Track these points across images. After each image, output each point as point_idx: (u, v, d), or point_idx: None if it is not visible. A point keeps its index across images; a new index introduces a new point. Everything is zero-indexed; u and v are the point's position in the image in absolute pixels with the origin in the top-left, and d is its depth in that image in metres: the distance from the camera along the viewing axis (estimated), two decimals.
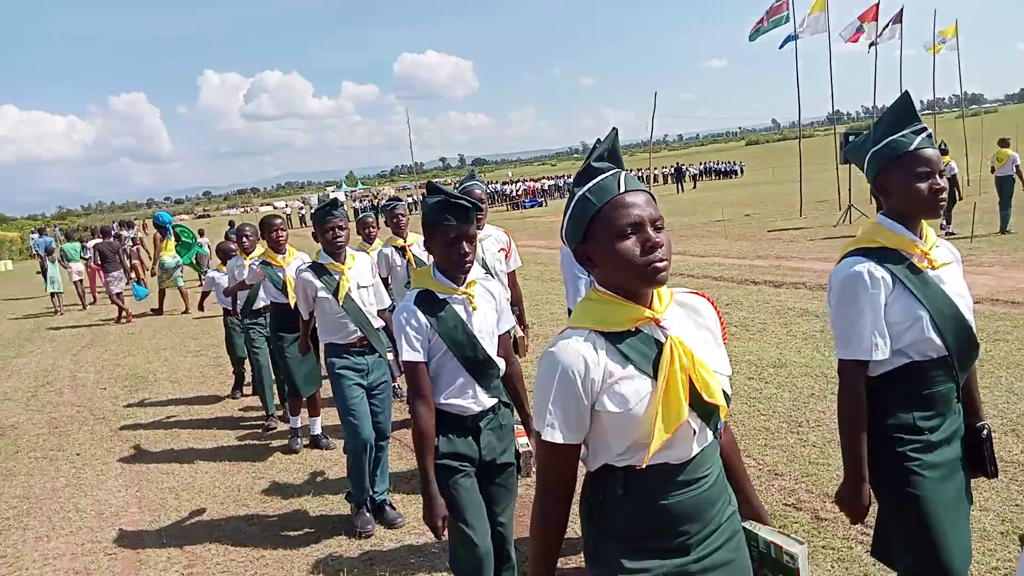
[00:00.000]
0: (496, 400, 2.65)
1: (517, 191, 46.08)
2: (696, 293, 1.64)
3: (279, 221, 5.39)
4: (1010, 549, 3.09)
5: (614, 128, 1.57)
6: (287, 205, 69.86)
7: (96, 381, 8.70)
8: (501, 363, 2.65)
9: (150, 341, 11.13)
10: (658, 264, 1.42)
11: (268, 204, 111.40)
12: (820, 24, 16.65)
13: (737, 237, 15.46)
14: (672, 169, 46.29)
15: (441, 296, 2.53)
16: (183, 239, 13.58)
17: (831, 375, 5.57)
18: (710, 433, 1.52)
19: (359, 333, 4.02)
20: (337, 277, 4.01)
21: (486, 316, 2.61)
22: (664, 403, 1.42)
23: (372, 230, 6.02)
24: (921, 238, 2.01)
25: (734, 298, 9.01)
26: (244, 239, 6.07)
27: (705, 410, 1.48)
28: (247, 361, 6.82)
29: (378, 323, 4.14)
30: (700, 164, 55.47)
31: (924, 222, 2.03)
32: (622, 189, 1.47)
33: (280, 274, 5.24)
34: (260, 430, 6.04)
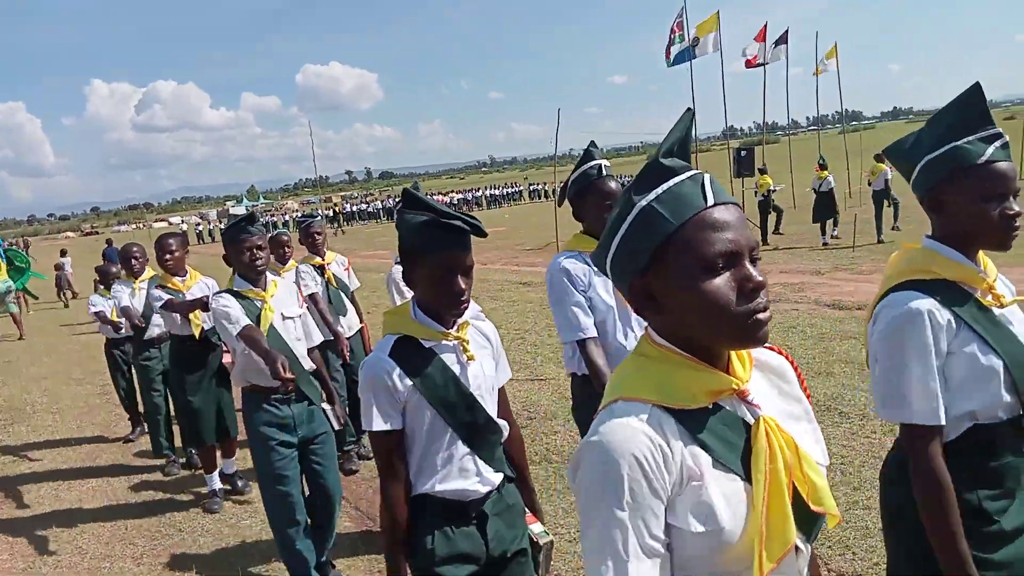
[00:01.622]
0: (502, 475, 2.03)
1: None
2: (772, 349, 1.20)
3: (172, 241, 4.69)
4: None
5: (689, 110, 1.14)
6: (183, 221, 66.97)
7: None
8: (504, 426, 2.06)
9: (28, 369, 10.35)
10: (761, 315, 1.00)
11: (163, 220, 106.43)
12: (710, 45, 17.41)
13: None
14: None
15: (426, 344, 1.91)
16: (16, 263, 13.33)
17: None
18: (810, 548, 1.11)
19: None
20: (259, 305, 3.32)
21: (484, 367, 2.00)
22: (767, 520, 1.00)
23: (287, 249, 5.13)
24: (982, 268, 1.65)
25: None
26: (133, 260, 5.36)
27: (810, 522, 1.06)
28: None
29: (308, 364, 3.43)
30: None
31: (982, 250, 1.67)
32: (710, 201, 1.02)
33: (183, 298, 4.58)
34: (160, 473, 5.40)
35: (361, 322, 5.28)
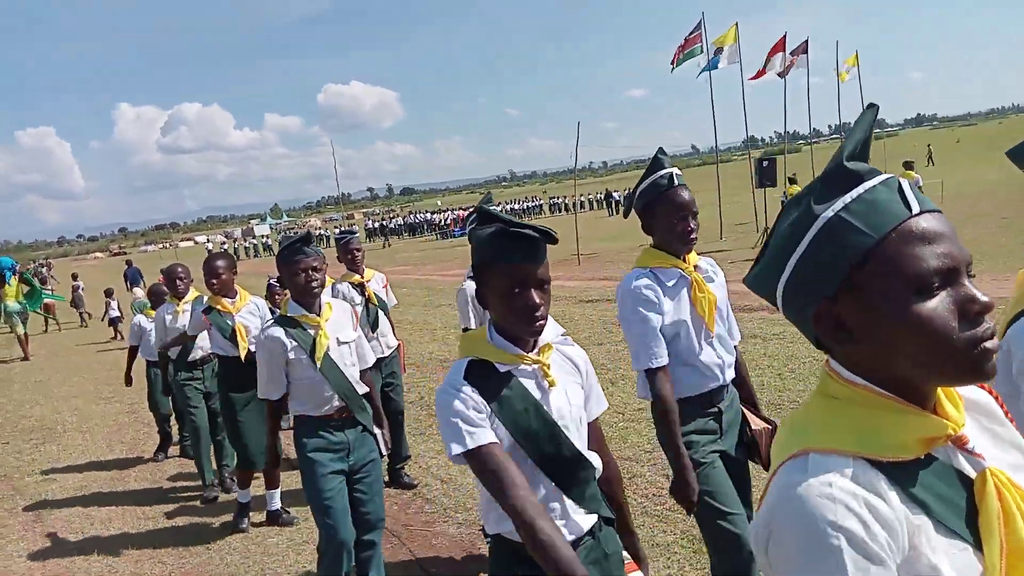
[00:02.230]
0: (595, 517, 1.79)
1: (446, 220, 46.08)
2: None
3: (220, 264, 4.55)
4: None
5: (873, 105, 0.97)
6: (208, 240, 67.89)
7: None
8: (596, 461, 1.80)
9: (58, 389, 10.51)
10: (988, 343, 0.82)
11: (189, 239, 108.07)
12: (732, 56, 17.37)
13: None
14: (603, 195, 47.43)
15: (503, 368, 1.72)
16: (32, 286, 13.84)
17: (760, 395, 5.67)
18: None
19: (339, 403, 3.17)
20: (312, 333, 3.15)
21: (569, 395, 1.79)
22: None
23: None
24: None
25: None
26: (178, 281, 5.18)
27: None
28: (173, 417, 6.16)
29: (362, 388, 3.30)
30: (625, 190, 56.78)
31: None
32: (914, 209, 0.85)
33: (229, 321, 4.49)
34: (198, 502, 5.26)
35: (396, 339, 5.14)
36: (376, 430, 3.34)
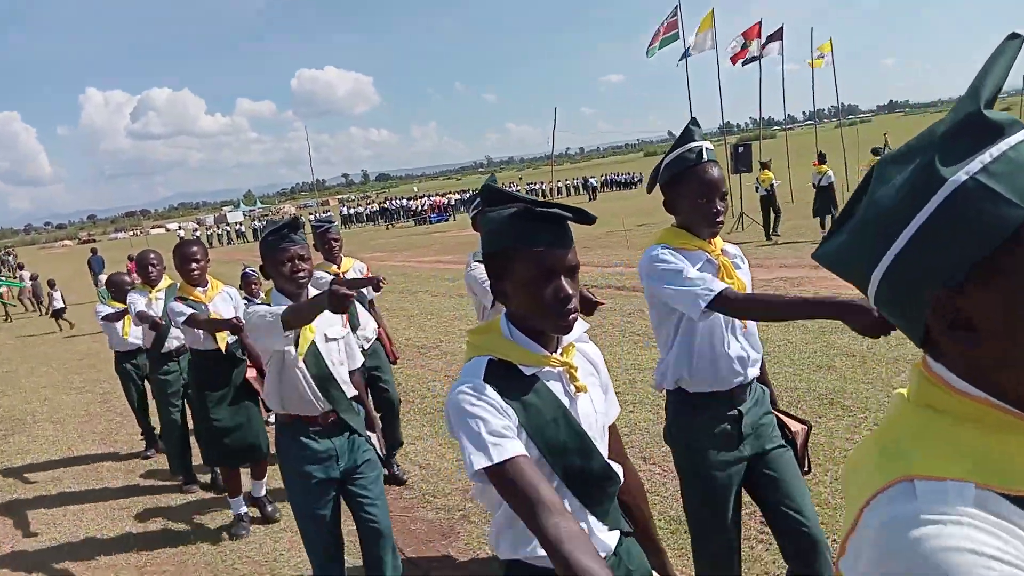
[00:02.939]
0: (618, 533, 1.61)
1: (423, 206, 45.84)
2: None
3: (197, 250, 4.33)
4: None
5: (1016, 34, 0.72)
6: (180, 227, 66.93)
7: None
8: (619, 472, 1.60)
9: (26, 379, 10.32)
10: None
11: (160, 226, 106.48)
12: (708, 42, 17.40)
13: (639, 246, 15.82)
14: (581, 181, 47.59)
15: (528, 371, 1.49)
16: None
17: None
18: None
19: (325, 405, 2.87)
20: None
21: (594, 401, 1.58)
22: None
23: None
24: None
25: (637, 307, 9.19)
26: (150, 268, 4.98)
27: None
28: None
29: (351, 390, 3.01)
30: (602, 176, 56.89)
31: None
32: None
33: (204, 310, 4.24)
34: (176, 494, 5.11)
35: (380, 326, 4.96)
36: (369, 434, 3.05)
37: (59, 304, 15.72)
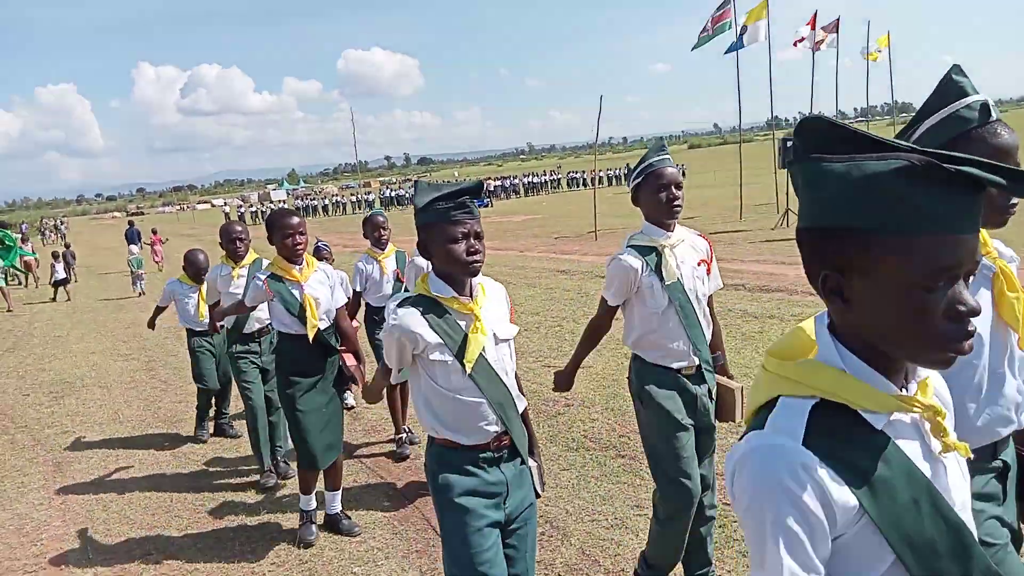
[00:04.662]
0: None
1: None
2: None
3: (296, 221, 3.72)
4: None
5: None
6: (226, 203, 68.14)
7: (18, 387, 8.27)
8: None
9: (77, 345, 10.67)
10: None
11: (206, 202, 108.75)
12: (760, 33, 17.06)
13: None
14: (624, 170, 47.26)
15: (877, 423, 0.99)
16: (5, 243, 14.72)
17: None
18: None
19: (497, 427, 2.23)
20: (464, 326, 2.20)
21: (963, 468, 1.17)
22: None
23: (384, 231, 4.99)
24: None
25: None
26: (237, 242, 4.73)
27: None
28: (217, 395, 5.72)
29: (522, 403, 2.37)
30: None
31: None
32: None
33: (296, 292, 3.72)
34: (200, 444, 5.66)
35: None
36: (531, 462, 2.42)
37: (60, 275, 16.67)
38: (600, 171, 40.27)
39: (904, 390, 0.99)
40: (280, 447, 4.86)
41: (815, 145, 0.96)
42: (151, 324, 6.23)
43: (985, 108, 1.65)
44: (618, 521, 3.70)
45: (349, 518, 4.00)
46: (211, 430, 5.82)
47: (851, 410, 0.95)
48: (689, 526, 2.80)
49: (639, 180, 2.77)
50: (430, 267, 2.25)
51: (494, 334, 2.25)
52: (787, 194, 16.29)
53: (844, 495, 0.91)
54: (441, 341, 2.15)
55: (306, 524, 3.88)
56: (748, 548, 0.93)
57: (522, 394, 2.39)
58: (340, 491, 4.00)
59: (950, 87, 1.70)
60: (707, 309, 2.84)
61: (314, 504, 3.93)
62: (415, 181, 2.33)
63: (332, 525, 3.94)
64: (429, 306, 2.17)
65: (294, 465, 4.52)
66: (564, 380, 3.05)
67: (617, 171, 49.77)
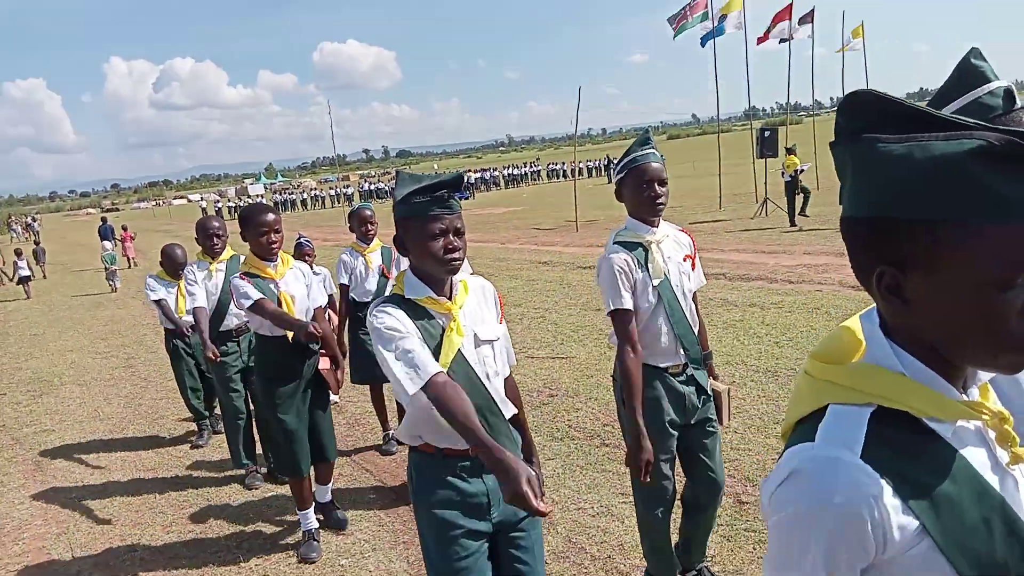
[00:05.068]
0: None
1: None
2: None
3: (272, 218, 3.59)
4: None
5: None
6: (203, 198, 67.38)
7: None
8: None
9: (55, 343, 10.53)
10: None
11: (182, 197, 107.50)
12: (736, 22, 17.15)
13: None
14: (604, 162, 47.36)
15: (943, 430, 0.88)
16: None
17: (750, 363, 5.74)
18: None
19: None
20: (441, 324, 2.08)
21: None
22: None
23: (371, 226, 4.82)
24: None
25: None
26: (215, 238, 4.57)
27: None
28: (206, 396, 5.54)
29: (509, 410, 2.19)
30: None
31: None
32: None
33: (272, 288, 3.58)
34: (187, 445, 5.66)
35: None
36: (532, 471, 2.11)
37: (24, 272, 16.72)
38: (580, 162, 40.37)
39: (965, 395, 0.88)
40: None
41: (863, 123, 0.85)
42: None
43: (1009, 94, 1.53)
44: (603, 509, 3.73)
45: (340, 509, 3.98)
46: (209, 434, 5.56)
47: (912, 418, 0.84)
48: (668, 526, 2.80)
49: (622, 175, 2.67)
50: (408, 264, 2.14)
51: (475, 334, 2.13)
52: (765, 184, 16.43)
53: (904, 515, 0.81)
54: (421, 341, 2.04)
55: (308, 541, 3.69)
56: (770, 554, 0.89)
57: (516, 400, 2.24)
58: (330, 484, 3.98)
59: (969, 72, 1.56)
60: (692, 305, 2.77)
61: (315, 523, 3.75)
62: (396, 172, 2.18)
63: (324, 513, 3.90)
64: (407, 306, 2.07)
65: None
66: (634, 444, 2.56)
67: (597, 162, 49.91)
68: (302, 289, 3.71)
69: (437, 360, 2.00)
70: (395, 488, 4.32)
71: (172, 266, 5.37)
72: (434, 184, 2.03)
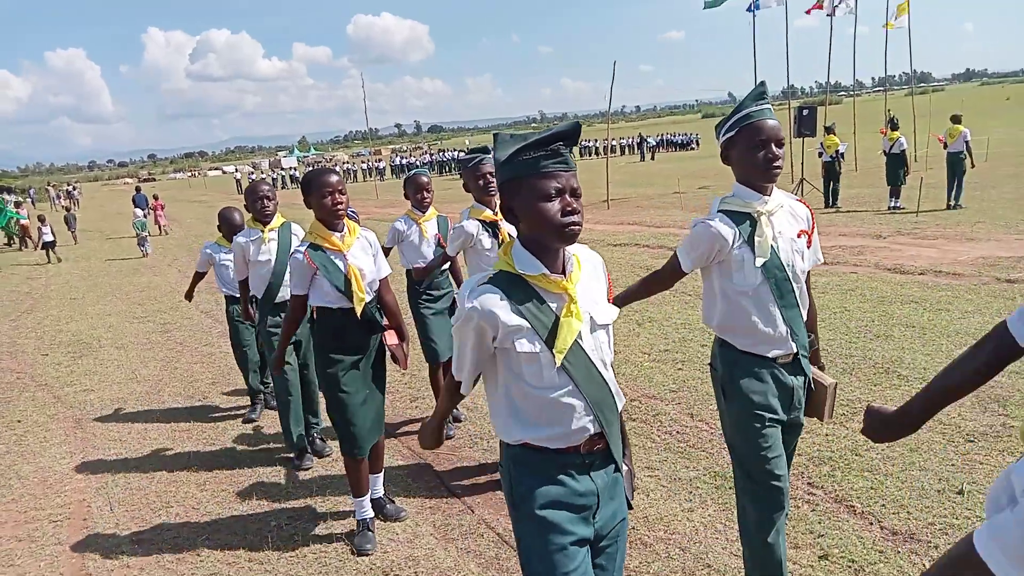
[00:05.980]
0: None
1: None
2: None
3: (335, 179, 3.35)
4: (945, 505, 3.22)
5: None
6: (237, 170, 68.13)
7: (37, 347, 8.39)
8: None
9: (94, 307, 10.78)
10: None
11: (217, 168, 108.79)
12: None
13: (692, 208, 15.62)
14: (636, 140, 46.79)
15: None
16: None
17: None
18: None
19: (594, 428, 1.82)
20: (555, 309, 1.77)
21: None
22: None
23: (427, 193, 4.55)
24: None
25: None
26: (265, 201, 4.38)
27: None
28: (260, 367, 5.35)
29: (621, 400, 1.92)
30: (658, 136, 55.81)
31: None
32: None
33: (339, 263, 3.31)
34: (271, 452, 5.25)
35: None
36: (624, 467, 1.97)
37: (48, 237, 16.90)
38: (613, 140, 39.94)
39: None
40: (316, 423, 4.62)
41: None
42: (189, 295, 5.85)
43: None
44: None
45: (393, 502, 3.76)
46: (262, 408, 5.41)
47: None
48: (783, 536, 2.46)
49: (731, 134, 2.30)
50: (515, 234, 1.84)
51: (591, 318, 1.82)
52: (802, 164, 16.13)
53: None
54: (529, 326, 1.73)
55: (362, 532, 3.47)
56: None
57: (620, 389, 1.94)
58: (382, 473, 3.74)
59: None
60: (803, 287, 2.39)
61: (370, 511, 3.52)
62: (495, 134, 1.89)
63: (377, 509, 3.65)
64: (512, 285, 1.74)
65: (330, 442, 4.58)
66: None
67: (629, 140, 49.33)
68: (370, 261, 3.44)
69: (551, 350, 1.73)
70: (445, 478, 4.36)
71: (230, 229, 5.13)
72: (549, 136, 1.73)
